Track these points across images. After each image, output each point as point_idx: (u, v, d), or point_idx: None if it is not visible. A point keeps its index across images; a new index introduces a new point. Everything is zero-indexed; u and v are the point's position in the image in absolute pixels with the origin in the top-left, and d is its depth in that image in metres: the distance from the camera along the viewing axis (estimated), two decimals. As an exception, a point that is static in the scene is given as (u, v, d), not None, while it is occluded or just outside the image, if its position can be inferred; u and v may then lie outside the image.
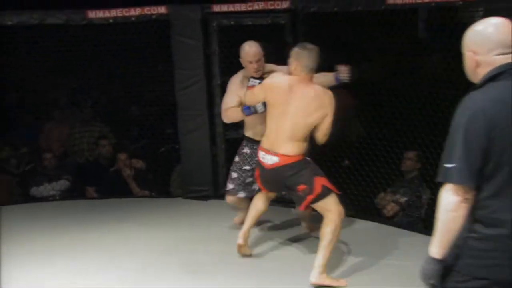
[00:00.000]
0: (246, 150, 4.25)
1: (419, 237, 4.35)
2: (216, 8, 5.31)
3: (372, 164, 4.99)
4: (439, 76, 4.56)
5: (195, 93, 5.47)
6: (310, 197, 3.56)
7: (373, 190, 5.01)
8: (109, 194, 5.85)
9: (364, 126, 5.29)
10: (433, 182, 4.59)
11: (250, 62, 4.04)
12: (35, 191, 5.99)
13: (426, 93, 4.60)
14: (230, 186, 4.33)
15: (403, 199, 4.76)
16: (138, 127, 6.37)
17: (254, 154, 4.12)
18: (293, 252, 4.21)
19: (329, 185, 3.61)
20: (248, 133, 4.27)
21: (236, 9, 5.25)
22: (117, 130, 6.43)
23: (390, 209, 4.78)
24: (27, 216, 5.33)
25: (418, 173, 4.82)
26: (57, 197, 5.96)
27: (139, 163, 5.99)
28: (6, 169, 6.19)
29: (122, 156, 5.97)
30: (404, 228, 4.60)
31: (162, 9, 5.44)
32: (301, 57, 3.58)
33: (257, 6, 5.20)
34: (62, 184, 6.04)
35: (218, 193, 5.47)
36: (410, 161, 4.82)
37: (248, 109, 3.95)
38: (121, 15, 5.49)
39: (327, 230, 3.54)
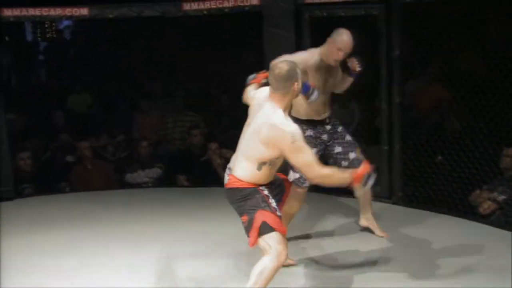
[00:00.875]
0: (309, 132, 3.97)
1: None
2: (309, -1, 5.27)
3: (467, 160, 4.79)
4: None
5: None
6: (251, 233, 3.07)
7: (468, 187, 4.81)
8: (199, 183, 6.00)
9: (459, 120, 5.10)
10: None
11: (339, 50, 3.85)
12: (129, 177, 6.24)
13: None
14: (296, 175, 3.91)
15: (502, 197, 4.55)
16: (229, 117, 6.47)
17: (317, 135, 4.01)
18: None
19: (274, 222, 3.05)
20: (304, 116, 3.98)
21: (328, 0, 5.19)
22: (209, 120, 6.57)
23: (487, 207, 4.59)
24: (123, 201, 5.57)
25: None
26: (150, 184, 6.19)
27: (229, 153, 6.07)
28: (103, 156, 6.49)
29: (213, 146, 6.09)
30: (501, 227, 4.40)
31: (255, 1, 5.49)
32: (270, 73, 3.14)
33: (350, -3, 5.12)
34: (155, 171, 6.25)
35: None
36: (509, 158, 4.60)
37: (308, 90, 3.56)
38: (215, 6, 5.59)
39: (255, 271, 3.02)
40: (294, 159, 3.02)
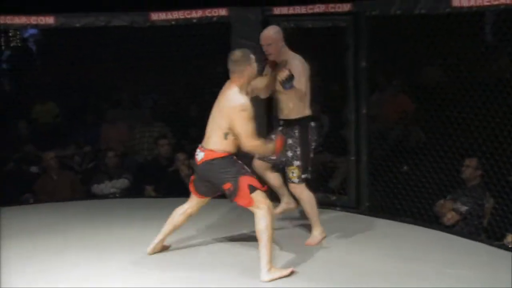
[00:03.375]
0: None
1: (479, 246, 4.26)
2: (277, 10, 5.31)
3: (432, 170, 4.88)
4: (507, 81, 4.41)
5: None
6: (239, 197, 3.65)
7: (433, 197, 4.89)
8: (167, 193, 5.95)
9: (424, 131, 5.19)
10: (497, 190, 4.46)
11: (262, 45, 4.11)
12: (96, 188, 6.16)
13: (491, 98, 4.46)
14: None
15: (464, 208, 4.63)
16: (197, 128, 6.45)
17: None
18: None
19: (255, 183, 3.67)
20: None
21: (296, 12, 5.25)
22: (176, 130, 6.54)
23: (450, 217, 4.66)
24: (88, 212, 5.49)
25: (481, 181, 4.68)
26: (117, 195, 6.12)
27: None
28: (70, 166, 6.39)
29: (181, 156, 6.06)
30: (464, 237, 4.47)
31: (223, 11, 5.51)
32: (228, 62, 3.72)
33: (318, 9, 5.18)
34: (122, 182, 6.19)
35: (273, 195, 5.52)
36: (470, 168, 4.68)
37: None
38: (183, 17, 5.59)
39: (261, 228, 3.60)
40: (238, 127, 3.58)
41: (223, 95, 3.72)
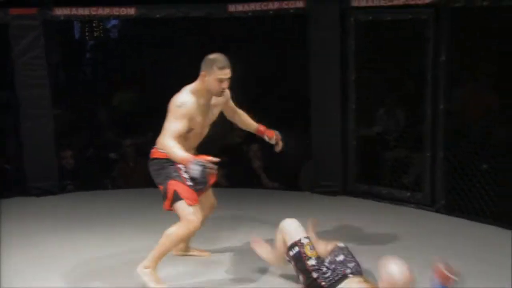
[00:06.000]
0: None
1: None
2: (355, 2, 5.22)
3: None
4: None
5: (329, 88, 5.45)
6: (166, 201, 3.45)
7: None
8: (239, 183, 5.98)
9: (507, 128, 4.97)
10: None
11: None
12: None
13: None
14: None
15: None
16: (269, 118, 6.45)
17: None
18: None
19: (183, 191, 3.38)
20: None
21: (375, 4, 5.14)
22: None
23: (533, 219, 4.46)
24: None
25: None
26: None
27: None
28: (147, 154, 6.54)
29: (254, 147, 6.09)
30: None
31: (300, 3, 5.47)
32: None
33: (398, 1, 5.05)
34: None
35: (347, 189, 5.47)
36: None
37: None
38: (259, 8, 5.60)
39: (166, 233, 3.42)
40: (166, 120, 3.40)
41: None
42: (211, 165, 3.19)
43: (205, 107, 3.57)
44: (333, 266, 3.14)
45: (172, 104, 3.44)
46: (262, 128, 3.94)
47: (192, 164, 3.16)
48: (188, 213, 3.36)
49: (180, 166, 3.37)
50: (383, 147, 5.64)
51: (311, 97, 5.57)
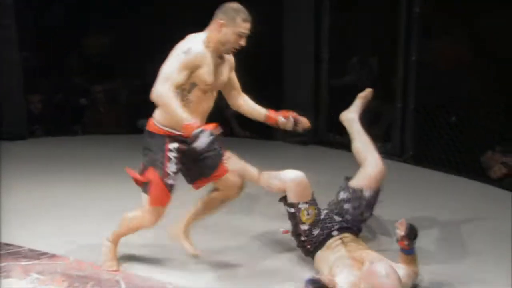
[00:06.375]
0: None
1: None
2: None
3: (483, 122, 4.75)
4: None
5: (303, 38, 5.41)
6: (139, 179, 2.92)
7: (480, 150, 4.79)
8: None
9: (478, 82, 5.03)
10: None
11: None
12: (142, 123, 6.24)
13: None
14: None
15: (514, 162, 4.54)
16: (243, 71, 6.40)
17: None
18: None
19: (155, 190, 2.87)
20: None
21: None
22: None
23: (497, 170, 4.58)
24: (133, 145, 5.59)
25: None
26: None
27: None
28: (117, 100, 6.49)
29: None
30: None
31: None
32: None
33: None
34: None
35: (319, 139, 5.54)
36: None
37: None
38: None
39: (124, 215, 3.03)
40: (163, 65, 2.75)
41: None
42: (218, 137, 2.69)
43: (215, 66, 2.89)
44: (322, 224, 3.01)
45: (176, 49, 2.81)
46: (272, 113, 3.19)
47: (197, 132, 2.63)
48: (147, 210, 2.93)
49: (170, 155, 2.88)
50: (355, 97, 5.64)
51: (284, 47, 5.52)
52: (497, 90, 4.67)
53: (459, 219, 3.87)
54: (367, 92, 3.55)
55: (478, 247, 3.42)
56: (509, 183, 4.50)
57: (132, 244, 3.23)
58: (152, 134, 2.90)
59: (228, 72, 3.03)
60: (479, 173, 4.69)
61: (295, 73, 5.53)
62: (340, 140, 5.48)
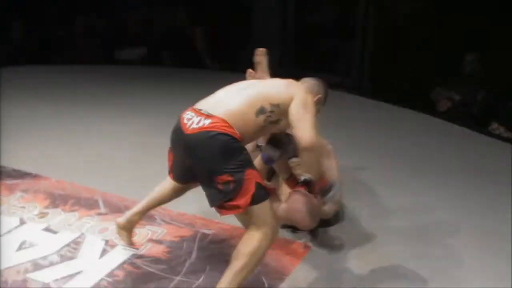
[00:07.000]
0: None
1: (466, 131, 4.47)
2: None
3: (433, 60, 5.03)
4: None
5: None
6: (239, 198, 2.20)
7: (431, 86, 5.08)
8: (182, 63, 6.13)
9: (430, 25, 5.23)
10: (489, 82, 4.65)
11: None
12: (118, 54, 6.43)
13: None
14: None
15: (457, 97, 4.85)
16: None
17: None
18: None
19: (266, 186, 2.33)
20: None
21: None
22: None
23: (444, 104, 4.90)
24: (111, 76, 5.81)
25: (479, 73, 4.86)
26: (137, 62, 6.37)
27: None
28: (94, 32, 6.55)
29: (197, 29, 6.20)
30: (454, 122, 4.64)
31: None
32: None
33: None
34: (142, 50, 6.43)
35: (283, 74, 5.75)
36: (468, 64, 4.87)
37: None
38: None
39: (245, 251, 2.25)
40: (304, 110, 2.39)
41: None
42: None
43: None
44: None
45: (307, 98, 2.42)
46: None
47: (330, 185, 2.64)
48: (272, 216, 2.29)
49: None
50: (318, 34, 5.83)
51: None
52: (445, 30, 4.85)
53: (407, 145, 4.14)
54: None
55: (424, 167, 3.71)
56: (453, 116, 4.83)
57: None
58: (229, 137, 2.21)
59: None
60: (427, 107, 4.97)
61: (264, 8, 5.71)
62: (303, 74, 5.71)
